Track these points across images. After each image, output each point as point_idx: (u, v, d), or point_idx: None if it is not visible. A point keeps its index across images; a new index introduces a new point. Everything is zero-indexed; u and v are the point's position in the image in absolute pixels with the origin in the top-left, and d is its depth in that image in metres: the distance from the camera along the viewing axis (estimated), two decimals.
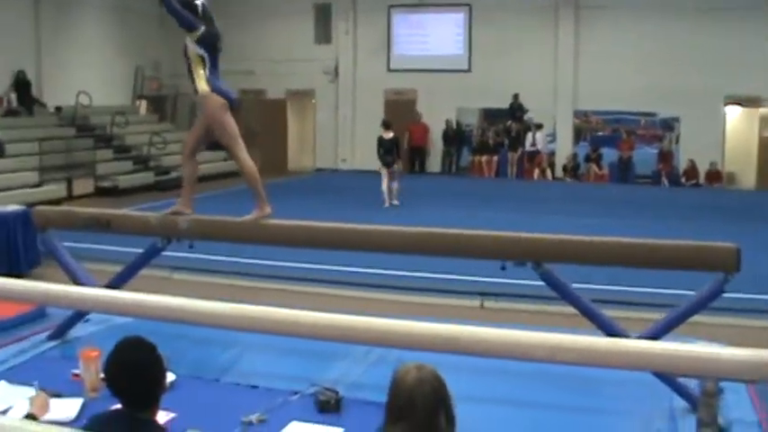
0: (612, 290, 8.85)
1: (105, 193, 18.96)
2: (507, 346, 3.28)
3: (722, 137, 22.69)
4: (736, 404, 5.55)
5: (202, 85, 6.31)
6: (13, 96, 20.53)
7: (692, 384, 5.13)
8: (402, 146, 19.11)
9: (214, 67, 6.35)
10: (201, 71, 6.31)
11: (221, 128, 6.39)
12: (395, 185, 17.43)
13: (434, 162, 25.10)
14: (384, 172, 17.37)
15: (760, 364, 2.85)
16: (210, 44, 6.32)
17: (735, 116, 22.86)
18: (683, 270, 5.66)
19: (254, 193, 6.42)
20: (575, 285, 5.92)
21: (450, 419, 2.95)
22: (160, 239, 6.66)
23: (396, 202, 17.28)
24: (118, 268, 7.21)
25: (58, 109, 21.37)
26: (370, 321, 3.55)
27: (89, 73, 22.27)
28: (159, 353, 3.28)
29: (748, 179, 22.56)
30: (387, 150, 17.29)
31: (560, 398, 5.77)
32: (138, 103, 25.19)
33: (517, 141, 24.01)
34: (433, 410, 2.90)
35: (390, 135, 17.49)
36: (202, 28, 6.25)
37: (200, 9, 6.29)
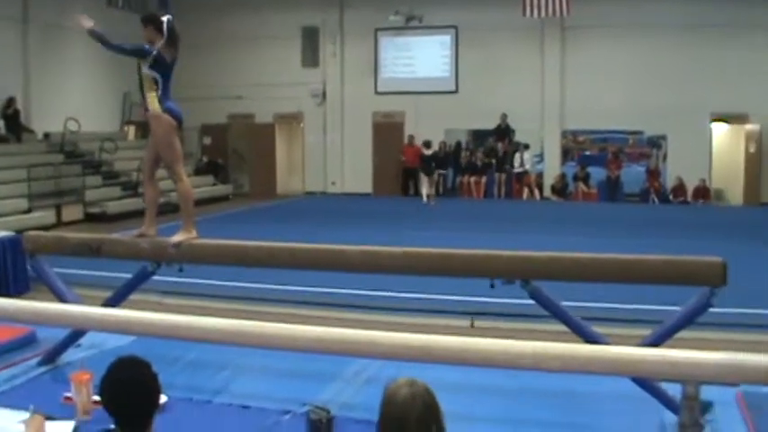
0: (600, 307, 8.85)
1: (94, 219, 18.94)
2: (494, 355, 3.32)
3: (709, 153, 22.84)
4: (726, 418, 5.58)
5: (154, 104, 6.46)
6: (1, 123, 20.54)
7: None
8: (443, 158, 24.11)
9: (166, 87, 6.48)
10: (153, 93, 6.44)
11: (168, 147, 6.60)
12: (433, 190, 22.85)
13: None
14: (425, 180, 22.84)
15: (738, 366, 2.89)
16: (163, 66, 6.42)
17: (721, 133, 23.05)
18: (670, 285, 5.69)
19: (183, 215, 6.72)
20: (563, 303, 5.95)
21: None
22: (150, 263, 6.69)
23: (433, 203, 22.00)
24: (108, 293, 7.23)
25: (47, 135, 21.38)
26: (361, 333, 3.60)
27: (77, 99, 22.31)
28: (154, 370, 3.30)
29: (736, 195, 22.70)
30: (427, 163, 22.82)
31: (549, 415, 5.78)
32: (126, 128, 25.15)
33: (504, 162, 24.12)
34: (426, 426, 2.88)
35: (430, 152, 23.14)
36: (154, 52, 6.35)
37: (165, 25, 6.39)
